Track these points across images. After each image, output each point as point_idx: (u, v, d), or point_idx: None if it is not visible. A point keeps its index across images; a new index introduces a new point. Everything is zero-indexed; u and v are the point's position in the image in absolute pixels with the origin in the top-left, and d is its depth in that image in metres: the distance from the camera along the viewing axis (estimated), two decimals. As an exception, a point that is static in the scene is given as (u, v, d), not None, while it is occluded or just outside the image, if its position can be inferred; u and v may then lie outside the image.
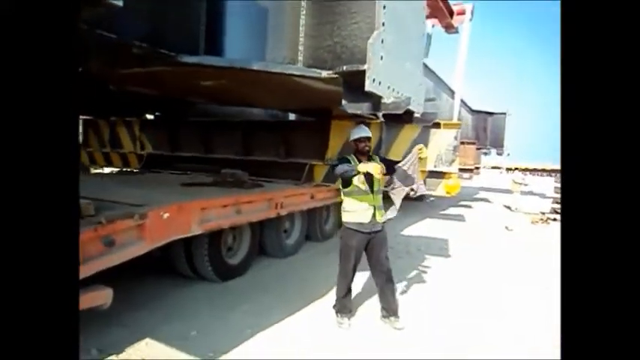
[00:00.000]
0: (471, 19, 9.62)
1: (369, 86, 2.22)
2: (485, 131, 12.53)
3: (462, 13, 9.49)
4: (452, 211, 11.87)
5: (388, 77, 2.47)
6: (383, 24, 2.31)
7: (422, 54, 3.12)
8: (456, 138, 4.71)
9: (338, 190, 6.31)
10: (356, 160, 3.39)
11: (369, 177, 3.29)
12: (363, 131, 3.44)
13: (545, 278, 5.25)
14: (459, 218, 10.47)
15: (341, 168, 3.21)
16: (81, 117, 8.29)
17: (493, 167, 42.00)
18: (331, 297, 4.12)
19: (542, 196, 14.69)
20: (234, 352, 2.96)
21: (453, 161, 4.73)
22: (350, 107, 2.49)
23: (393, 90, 2.54)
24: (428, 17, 9.34)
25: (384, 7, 2.30)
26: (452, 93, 9.43)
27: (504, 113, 12.57)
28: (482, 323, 3.65)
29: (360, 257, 3.45)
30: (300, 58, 2.64)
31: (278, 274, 4.88)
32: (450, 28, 9.91)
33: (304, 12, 2.61)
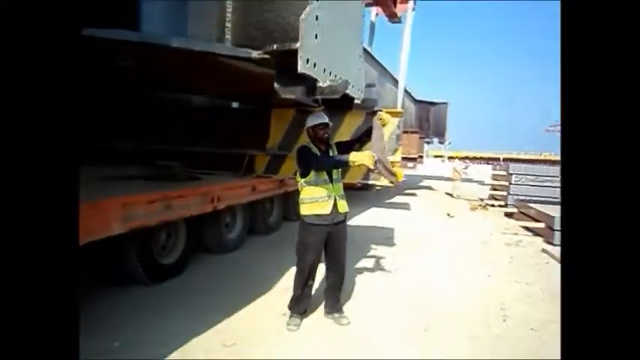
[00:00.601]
0: (414, 9, 9.71)
1: (302, 67, 2.00)
2: (428, 121, 12.80)
3: (405, 1, 9.51)
4: (398, 199, 12.08)
5: (324, 59, 2.27)
6: (317, -1, 2.10)
7: (360, 37, 2.96)
8: (398, 126, 4.64)
9: (281, 181, 6.14)
10: (315, 148, 3.22)
11: None
12: (321, 118, 3.25)
13: (481, 259, 5.40)
14: (404, 207, 10.66)
15: (324, 160, 3.13)
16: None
17: (436, 156, 43.73)
18: (274, 293, 3.94)
19: (481, 183, 15.40)
20: (163, 364, 2.68)
21: (396, 150, 4.67)
22: (283, 91, 2.26)
23: (330, 73, 2.36)
24: (371, 4, 9.31)
25: (318, -21, 2.09)
26: (395, 82, 9.47)
27: (446, 103, 12.90)
28: (426, 305, 3.63)
29: (321, 252, 3.26)
30: (228, 36, 2.37)
31: (218, 271, 4.59)
32: (393, 17, 9.91)
33: (231, -16, 2.34)
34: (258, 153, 5.19)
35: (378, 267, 4.95)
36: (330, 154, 3.28)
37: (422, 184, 17.81)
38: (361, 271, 4.76)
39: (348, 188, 4.37)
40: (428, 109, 12.74)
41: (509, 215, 9.25)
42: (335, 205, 3.18)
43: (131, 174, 4.50)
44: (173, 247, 4.38)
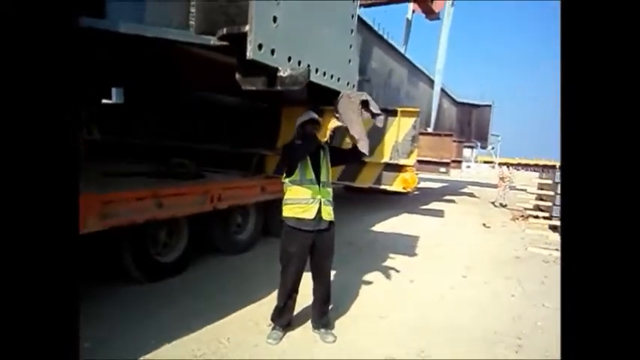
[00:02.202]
0: (452, 4, 9.10)
1: (252, 53, 1.77)
2: (470, 125, 12.09)
3: (443, -3, 8.98)
4: (433, 205, 11.49)
5: (290, 46, 2.02)
6: (278, -24, 1.86)
7: (352, 25, 2.67)
8: (414, 127, 4.26)
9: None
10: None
11: (316, 165, 2.94)
12: (309, 114, 3.01)
13: (508, 276, 4.86)
14: (438, 214, 10.08)
15: (300, 148, 2.90)
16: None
17: (485, 162, 41.79)
18: (269, 300, 3.72)
19: (525, 191, 14.35)
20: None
21: (411, 153, 4.29)
22: (244, 82, 2.04)
23: (299, 63, 2.10)
24: (405, 0, 8.85)
25: (279, -46, 1.84)
26: (431, 82, 8.98)
27: (490, 105, 12.12)
28: (427, 329, 3.25)
29: (304, 262, 3.01)
30: (192, 22, 2.18)
31: (219, 272, 4.45)
32: (430, 14, 9.41)
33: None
34: (268, 152, 5.01)
35: (389, 278, 4.60)
36: (322, 154, 3.01)
37: (465, 190, 16.94)
38: (370, 281, 4.43)
39: (376, 192, 4.12)
40: (470, 112, 12.03)
41: (553, 228, 8.42)
42: (320, 210, 2.91)
43: (137, 170, 4.47)
44: (174, 246, 4.30)
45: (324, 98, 2.68)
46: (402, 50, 7.66)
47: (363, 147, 2.83)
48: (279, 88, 1.94)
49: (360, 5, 8.94)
